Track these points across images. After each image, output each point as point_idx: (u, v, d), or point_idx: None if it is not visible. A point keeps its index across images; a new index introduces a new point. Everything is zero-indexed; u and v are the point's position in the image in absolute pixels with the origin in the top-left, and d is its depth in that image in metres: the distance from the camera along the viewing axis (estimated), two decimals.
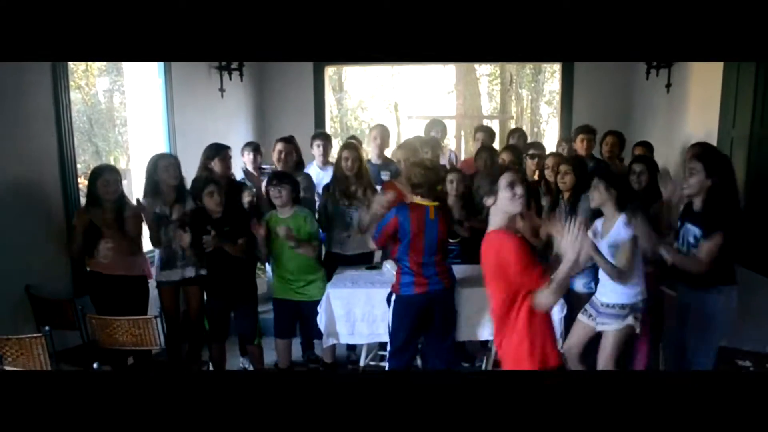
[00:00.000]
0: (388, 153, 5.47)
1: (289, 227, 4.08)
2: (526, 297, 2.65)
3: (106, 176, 3.90)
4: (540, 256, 4.04)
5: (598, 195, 3.65)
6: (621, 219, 3.59)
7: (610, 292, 3.68)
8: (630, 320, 3.61)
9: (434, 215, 3.76)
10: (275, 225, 4.20)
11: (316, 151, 5.38)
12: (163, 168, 4.19)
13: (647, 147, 5.19)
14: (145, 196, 4.23)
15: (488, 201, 2.75)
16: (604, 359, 3.71)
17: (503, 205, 2.72)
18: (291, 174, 4.48)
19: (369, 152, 5.44)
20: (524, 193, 2.74)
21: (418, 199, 3.79)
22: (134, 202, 4.15)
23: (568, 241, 2.54)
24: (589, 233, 3.69)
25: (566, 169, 4.12)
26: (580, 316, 3.85)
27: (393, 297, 3.86)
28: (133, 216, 4.01)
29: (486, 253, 2.74)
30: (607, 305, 3.67)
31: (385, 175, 5.06)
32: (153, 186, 4.22)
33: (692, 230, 3.33)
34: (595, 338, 3.83)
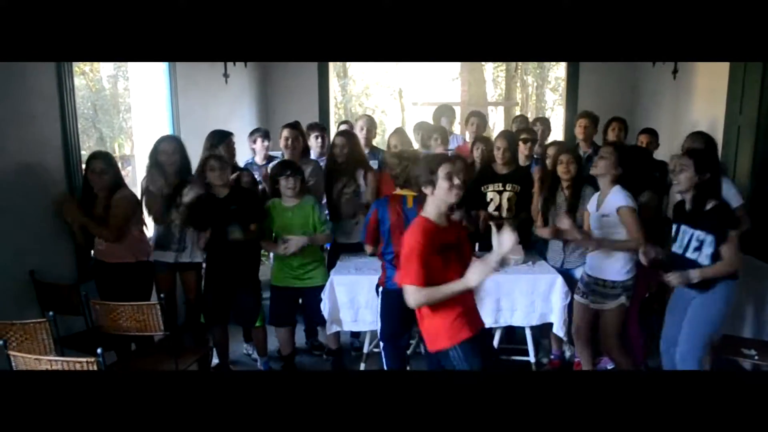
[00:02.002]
0: (376, 142, 5.48)
1: (292, 240, 4.12)
2: (446, 276, 2.75)
3: (92, 165, 3.86)
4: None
5: (603, 164, 3.67)
6: (614, 190, 3.65)
7: (596, 267, 3.79)
8: (623, 299, 3.71)
9: (412, 203, 3.70)
10: (279, 214, 4.21)
11: (314, 142, 5.34)
12: (163, 151, 4.18)
13: (652, 134, 5.12)
14: (148, 174, 4.22)
15: (426, 190, 2.82)
16: (605, 339, 3.81)
17: (441, 194, 2.79)
18: (298, 164, 4.46)
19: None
20: (461, 184, 2.81)
21: (397, 190, 3.77)
22: (135, 188, 4.13)
23: (479, 268, 2.68)
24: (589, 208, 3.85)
25: (569, 159, 4.09)
26: (576, 297, 3.95)
27: (380, 289, 3.83)
28: (117, 205, 3.89)
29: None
30: (596, 281, 3.76)
31: (373, 164, 5.06)
32: (158, 168, 4.20)
33: (695, 234, 3.33)
34: (595, 317, 3.91)
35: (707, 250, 3.28)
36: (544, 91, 15.93)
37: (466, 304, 2.90)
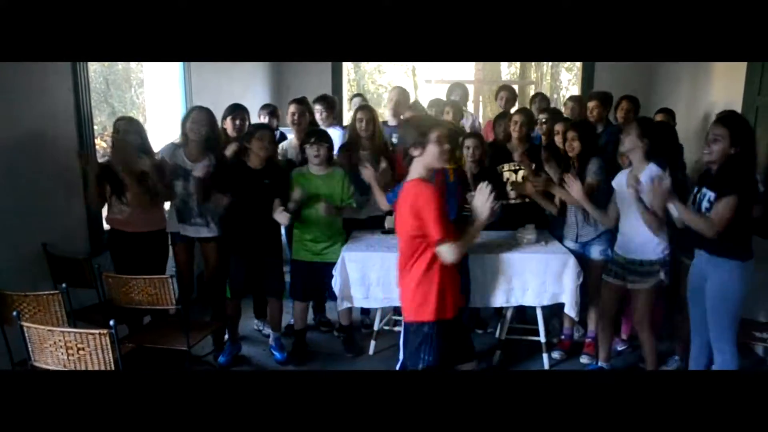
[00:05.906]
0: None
1: (329, 204, 4.08)
2: (427, 247, 2.76)
3: (117, 125, 3.93)
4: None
5: (629, 141, 3.65)
6: (650, 167, 3.58)
7: (631, 249, 3.76)
8: (662, 276, 3.69)
9: (453, 177, 3.74)
10: (308, 181, 4.19)
11: (317, 116, 5.20)
12: (191, 120, 4.13)
13: (669, 114, 5.08)
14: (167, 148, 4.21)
15: (414, 152, 2.80)
16: (640, 318, 3.80)
17: (430, 158, 2.79)
18: (327, 132, 4.42)
19: (385, 113, 5.36)
20: (451, 149, 2.86)
21: None
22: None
23: (481, 201, 2.73)
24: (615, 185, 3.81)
25: (573, 136, 4.05)
26: (607, 278, 3.91)
27: None
28: (147, 170, 3.96)
29: (404, 201, 2.82)
30: (639, 263, 3.73)
31: (395, 138, 5.01)
32: (183, 137, 4.18)
33: (707, 194, 3.24)
34: (624, 297, 3.93)
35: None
36: (560, 70, 15.75)
37: (454, 282, 2.93)
